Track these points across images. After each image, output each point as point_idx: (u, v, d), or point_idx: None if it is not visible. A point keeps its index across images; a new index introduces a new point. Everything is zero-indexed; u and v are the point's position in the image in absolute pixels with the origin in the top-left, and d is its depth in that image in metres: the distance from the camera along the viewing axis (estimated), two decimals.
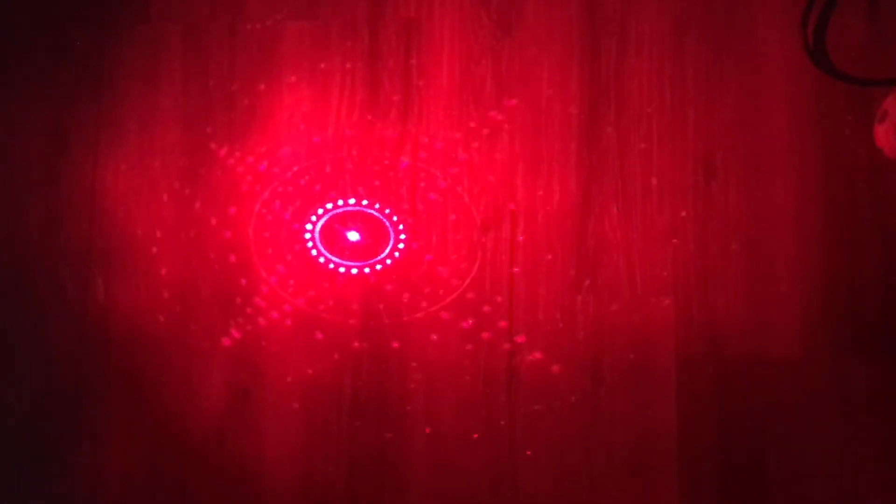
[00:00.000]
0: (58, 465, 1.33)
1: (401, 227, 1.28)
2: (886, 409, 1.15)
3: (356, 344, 1.29)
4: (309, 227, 1.30)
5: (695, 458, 1.19)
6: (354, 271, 1.28)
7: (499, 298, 1.26)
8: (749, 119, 1.23)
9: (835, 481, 1.16)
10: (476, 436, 1.24)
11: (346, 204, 1.30)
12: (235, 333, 1.31)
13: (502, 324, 1.25)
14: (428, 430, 1.25)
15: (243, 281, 1.32)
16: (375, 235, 1.29)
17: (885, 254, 1.18)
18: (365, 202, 1.29)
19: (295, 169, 1.32)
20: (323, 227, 1.30)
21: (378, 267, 1.28)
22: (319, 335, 1.30)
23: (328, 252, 1.30)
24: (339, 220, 1.30)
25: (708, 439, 1.19)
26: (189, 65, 1.36)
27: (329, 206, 1.30)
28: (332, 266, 1.29)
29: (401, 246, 1.28)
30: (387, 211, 1.29)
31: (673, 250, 1.23)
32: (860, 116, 1.20)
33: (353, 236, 1.30)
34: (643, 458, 1.20)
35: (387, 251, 1.28)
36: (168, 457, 1.31)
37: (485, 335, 1.26)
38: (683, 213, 1.23)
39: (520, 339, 1.25)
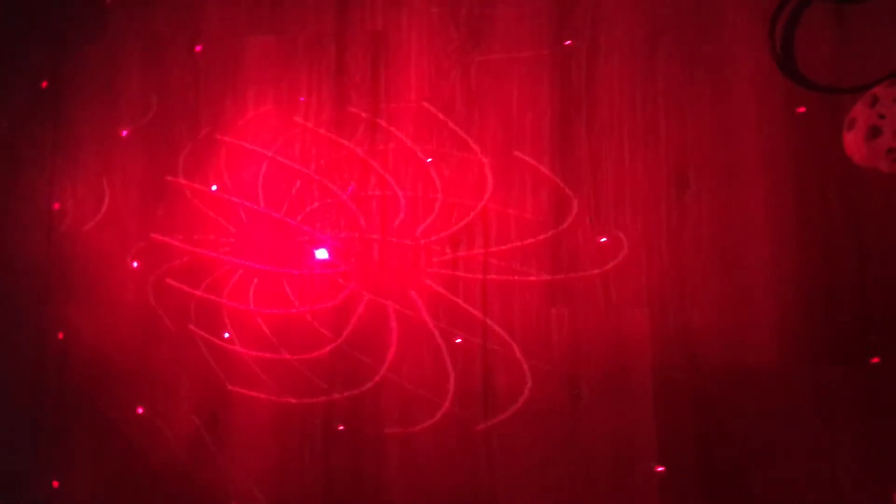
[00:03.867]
0: (16, 498, 1.29)
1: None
2: (863, 414, 1.15)
3: (329, 363, 1.27)
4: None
5: (675, 468, 1.18)
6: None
7: (473, 312, 1.24)
8: (720, 129, 1.23)
9: (814, 486, 1.15)
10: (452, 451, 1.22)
11: (313, 222, 1.28)
12: (203, 358, 1.28)
13: (476, 338, 1.24)
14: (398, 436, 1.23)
15: (210, 304, 1.29)
16: (344, 252, 1.27)
17: (858, 260, 1.18)
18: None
19: (260, 186, 1.30)
20: (292, 245, 1.28)
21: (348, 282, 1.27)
22: (291, 356, 1.27)
23: (297, 270, 1.28)
24: (308, 238, 1.28)
25: (687, 449, 1.18)
26: (148, 82, 1.34)
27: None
28: (302, 285, 1.27)
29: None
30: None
31: (647, 261, 1.22)
32: (830, 125, 1.20)
33: (321, 254, 1.28)
34: (623, 470, 1.19)
35: (358, 267, 1.27)
36: (132, 487, 1.28)
37: (460, 349, 1.24)
38: (657, 224, 1.23)
39: (495, 352, 1.23)
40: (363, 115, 1.30)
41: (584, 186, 1.25)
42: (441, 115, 1.28)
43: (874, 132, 1.11)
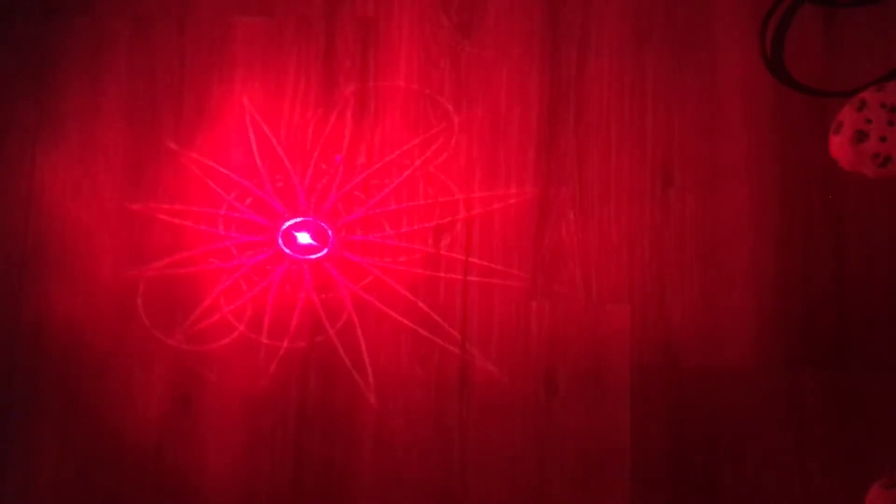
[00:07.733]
0: None
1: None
2: (838, 419, 1.16)
3: (304, 350, 1.25)
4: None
5: (647, 467, 1.18)
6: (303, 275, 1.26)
7: (452, 304, 1.24)
8: (707, 128, 1.23)
9: (787, 490, 1.16)
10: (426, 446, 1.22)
11: (297, 208, 1.27)
12: (178, 340, 1.27)
13: (455, 331, 1.23)
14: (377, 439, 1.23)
15: (187, 286, 1.28)
16: (326, 238, 1.27)
17: (837, 264, 1.19)
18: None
19: (245, 170, 1.29)
20: (274, 227, 1.27)
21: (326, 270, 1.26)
22: (266, 342, 1.26)
23: (279, 252, 1.27)
24: (291, 220, 1.28)
25: (661, 448, 1.19)
26: (135, 60, 1.32)
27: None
28: (280, 269, 1.26)
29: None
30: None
31: (629, 258, 1.22)
32: (816, 127, 1.20)
33: (303, 238, 1.27)
34: (595, 469, 1.19)
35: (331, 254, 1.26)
36: (103, 469, 1.27)
37: (437, 342, 1.24)
38: (640, 221, 1.23)
39: (473, 346, 1.23)
40: (351, 99, 1.29)
41: (570, 181, 1.25)
42: (429, 103, 1.28)
43: (860, 136, 1.11)
